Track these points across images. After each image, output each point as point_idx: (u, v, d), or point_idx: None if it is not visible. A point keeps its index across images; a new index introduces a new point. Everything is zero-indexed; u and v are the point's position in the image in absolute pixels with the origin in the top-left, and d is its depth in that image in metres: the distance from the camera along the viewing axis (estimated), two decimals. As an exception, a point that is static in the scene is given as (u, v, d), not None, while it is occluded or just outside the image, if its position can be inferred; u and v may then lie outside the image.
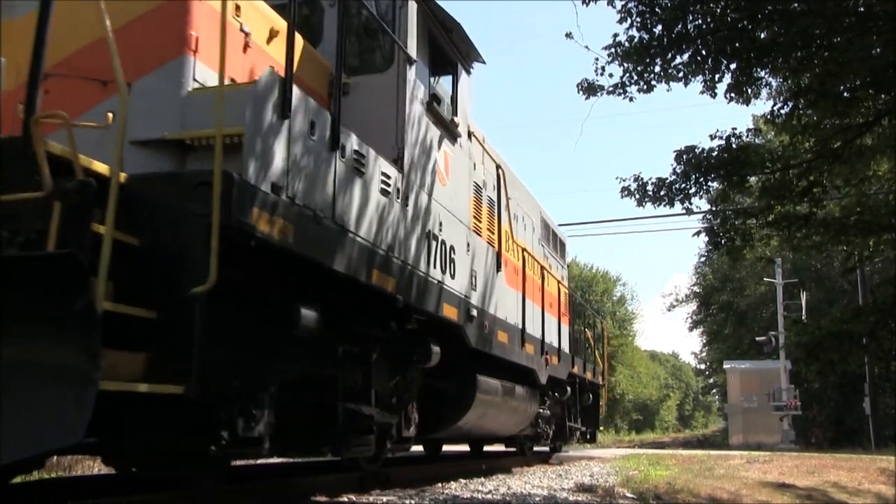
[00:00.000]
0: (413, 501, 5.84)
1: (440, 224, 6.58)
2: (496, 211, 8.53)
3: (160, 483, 5.09)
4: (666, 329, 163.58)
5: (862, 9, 7.88)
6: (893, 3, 7.44)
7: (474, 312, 7.20)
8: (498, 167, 8.79)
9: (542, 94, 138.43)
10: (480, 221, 7.89)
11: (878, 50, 7.81)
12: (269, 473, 7.72)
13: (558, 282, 12.08)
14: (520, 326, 8.96)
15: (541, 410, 10.34)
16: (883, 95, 8.72)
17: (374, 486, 6.38)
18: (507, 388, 8.54)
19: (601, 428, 18.65)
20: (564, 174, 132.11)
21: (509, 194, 9.22)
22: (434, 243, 6.40)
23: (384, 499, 5.89)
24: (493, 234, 8.33)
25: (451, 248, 6.81)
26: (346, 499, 5.73)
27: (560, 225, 13.55)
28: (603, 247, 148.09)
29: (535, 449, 12.20)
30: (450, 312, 6.59)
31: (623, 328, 55.91)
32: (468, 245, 7.33)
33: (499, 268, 8.34)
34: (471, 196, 7.63)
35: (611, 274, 56.13)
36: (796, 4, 7.78)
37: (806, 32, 7.65)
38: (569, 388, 11.66)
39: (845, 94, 8.74)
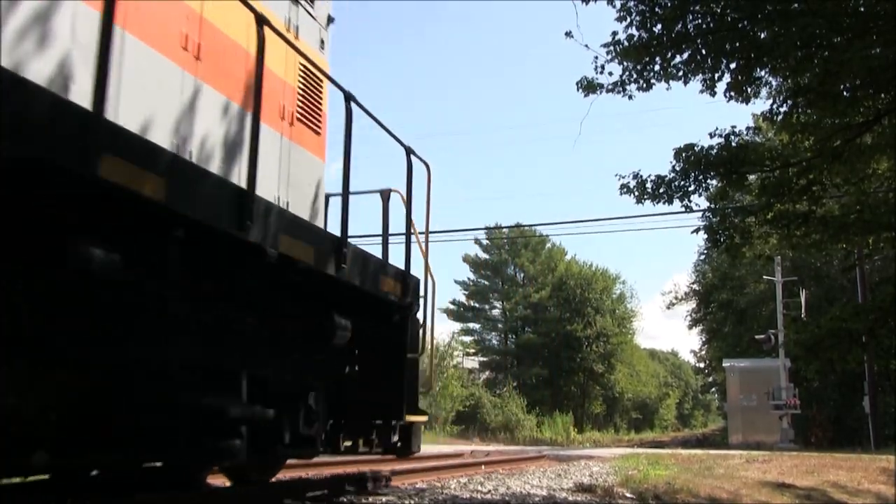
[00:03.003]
0: (413, 501, 5.84)
1: None
2: None
3: (160, 482, 5.09)
4: (665, 327, 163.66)
5: (862, 9, 7.87)
6: (893, 3, 7.43)
7: None
8: None
9: (540, 92, 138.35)
10: None
11: (878, 50, 7.80)
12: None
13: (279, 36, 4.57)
14: None
15: None
16: (883, 95, 8.71)
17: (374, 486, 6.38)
18: None
19: (430, 411, 7.29)
20: (564, 172, 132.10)
21: None
22: None
23: (384, 499, 5.89)
24: None
25: None
26: (345, 498, 5.74)
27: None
28: (602, 245, 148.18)
29: None
30: None
31: (622, 326, 56.00)
32: None
33: None
34: None
35: (610, 272, 56.22)
36: (796, 4, 7.77)
37: (806, 32, 7.65)
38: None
39: (845, 93, 8.74)
